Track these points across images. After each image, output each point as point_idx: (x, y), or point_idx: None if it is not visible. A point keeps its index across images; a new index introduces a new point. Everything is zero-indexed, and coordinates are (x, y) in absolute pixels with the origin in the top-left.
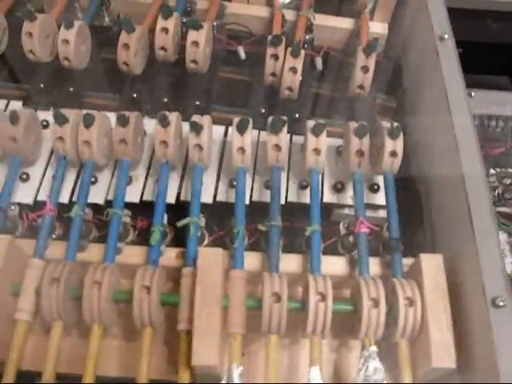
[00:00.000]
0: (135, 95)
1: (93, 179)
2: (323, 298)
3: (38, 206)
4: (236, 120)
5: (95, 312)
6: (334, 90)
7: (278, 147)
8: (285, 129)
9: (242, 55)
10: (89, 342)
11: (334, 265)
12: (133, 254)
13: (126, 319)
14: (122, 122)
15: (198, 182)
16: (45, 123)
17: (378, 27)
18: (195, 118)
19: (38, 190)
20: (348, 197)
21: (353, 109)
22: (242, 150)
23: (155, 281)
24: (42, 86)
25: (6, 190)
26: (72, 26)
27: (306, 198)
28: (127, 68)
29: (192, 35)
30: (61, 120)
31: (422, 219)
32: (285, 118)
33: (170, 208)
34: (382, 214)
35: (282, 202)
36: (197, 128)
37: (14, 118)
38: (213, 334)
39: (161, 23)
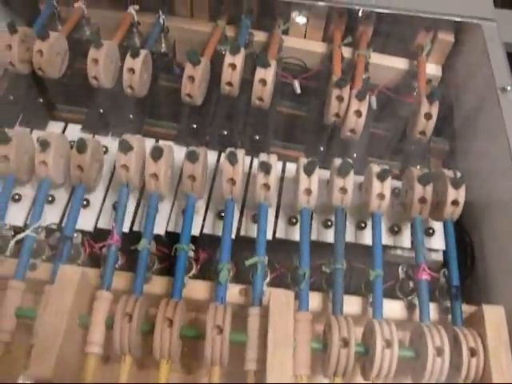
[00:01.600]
0: (195, 126)
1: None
2: (388, 344)
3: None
4: (304, 161)
5: (165, 348)
6: (387, 130)
7: (343, 190)
8: (352, 172)
9: (298, 89)
10: (158, 376)
11: (393, 309)
12: (197, 288)
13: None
14: (192, 158)
15: (264, 220)
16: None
17: (432, 69)
18: (263, 156)
19: (98, 217)
20: (403, 239)
21: (408, 150)
22: (308, 191)
23: (227, 321)
24: (101, 111)
25: (72, 217)
26: (138, 55)
27: (364, 239)
28: (190, 99)
29: (260, 73)
30: (126, 147)
31: (473, 265)
32: (350, 161)
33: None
34: (435, 256)
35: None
36: (266, 168)
37: (81, 147)
38: (285, 378)
39: (229, 59)
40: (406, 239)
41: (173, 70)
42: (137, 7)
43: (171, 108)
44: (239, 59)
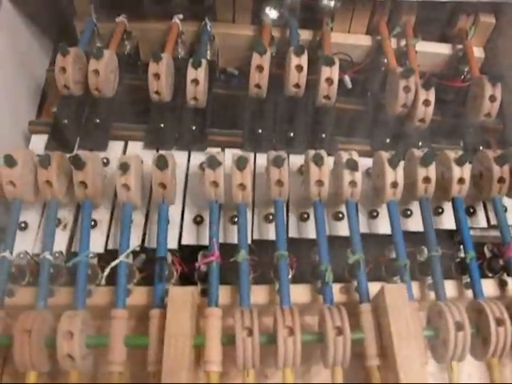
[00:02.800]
0: (260, 131)
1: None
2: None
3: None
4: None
5: (290, 357)
6: (440, 115)
7: (427, 179)
8: (434, 162)
9: (349, 84)
10: None
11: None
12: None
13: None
14: (278, 162)
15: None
16: None
17: (475, 51)
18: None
19: (181, 235)
20: (479, 219)
21: (465, 133)
22: (353, 183)
23: (345, 321)
24: (162, 125)
25: (162, 238)
26: (201, 65)
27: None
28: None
29: (326, 72)
30: (215, 164)
31: None
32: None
33: None
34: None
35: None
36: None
37: (162, 163)
38: (415, 368)
39: (295, 61)
40: (481, 219)
41: (219, 77)
42: (181, 16)
43: (229, 115)
44: (305, 60)
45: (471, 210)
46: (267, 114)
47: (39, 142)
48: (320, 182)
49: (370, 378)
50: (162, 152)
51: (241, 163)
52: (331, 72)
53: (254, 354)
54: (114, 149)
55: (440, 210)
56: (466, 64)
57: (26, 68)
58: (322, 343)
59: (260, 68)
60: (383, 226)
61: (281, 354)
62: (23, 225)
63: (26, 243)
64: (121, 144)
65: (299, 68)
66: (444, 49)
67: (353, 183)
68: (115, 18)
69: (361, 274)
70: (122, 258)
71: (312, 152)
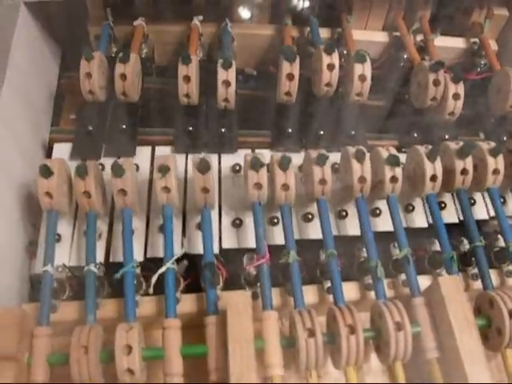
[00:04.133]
0: (290, 130)
1: (275, 220)
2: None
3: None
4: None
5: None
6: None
7: (465, 171)
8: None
9: None
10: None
11: None
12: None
13: None
14: (321, 161)
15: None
16: None
17: None
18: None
19: (221, 239)
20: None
21: (486, 125)
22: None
23: (404, 316)
24: (191, 128)
25: (208, 243)
26: (231, 66)
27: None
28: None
29: (359, 69)
30: (258, 165)
31: None
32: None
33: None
34: None
35: None
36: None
37: (205, 167)
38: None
39: (326, 59)
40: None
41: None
42: (201, 18)
43: (264, 118)
44: (336, 58)
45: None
46: (295, 114)
47: (62, 151)
48: (362, 179)
49: (429, 371)
50: (203, 155)
51: (284, 163)
52: (363, 69)
53: (318, 354)
54: (142, 154)
55: (472, 201)
56: (481, 57)
57: (40, 75)
58: (378, 340)
59: (290, 76)
60: (420, 221)
61: (344, 353)
62: (57, 237)
63: (61, 256)
64: (148, 149)
65: (331, 67)
66: (459, 43)
67: (394, 179)
68: (129, 21)
69: (410, 268)
70: (168, 264)
71: (352, 149)
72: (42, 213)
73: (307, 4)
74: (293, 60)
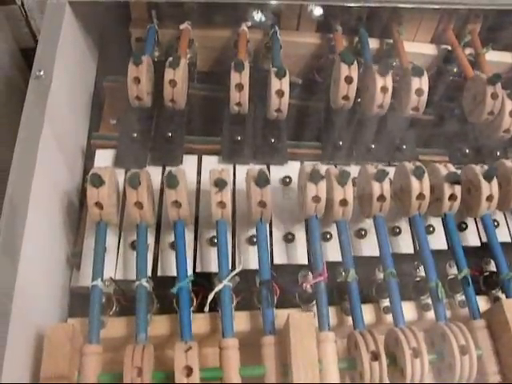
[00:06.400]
0: (341, 143)
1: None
2: None
3: None
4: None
5: (417, 379)
6: None
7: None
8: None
9: None
10: None
11: None
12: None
13: None
14: (381, 177)
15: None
16: None
17: None
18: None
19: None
20: None
21: None
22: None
23: (469, 338)
24: (238, 138)
25: (265, 260)
26: (285, 75)
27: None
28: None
29: (416, 83)
30: (317, 177)
31: None
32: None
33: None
34: None
35: None
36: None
37: (263, 180)
38: None
39: (380, 82)
40: None
41: None
42: (249, 24)
43: (310, 128)
44: (390, 82)
45: None
46: (344, 126)
47: (105, 158)
48: (422, 196)
49: None
50: (258, 167)
51: (343, 178)
52: (421, 83)
53: (382, 378)
54: (188, 163)
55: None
56: None
57: (82, 77)
58: (442, 363)
59: (349, 79)
60: (473, 240)
61: (408, 377)
62: None
63: (106, 269)
64: (194, 158)
65: (384, 89)
66: (508, 57)
67: (453, 197)
68: (173, 25)
69: (470, 290)
70: (225, 281)
71: (409, 165)
72: (84, 222)
73: (355, 14)
74: (351, 63)
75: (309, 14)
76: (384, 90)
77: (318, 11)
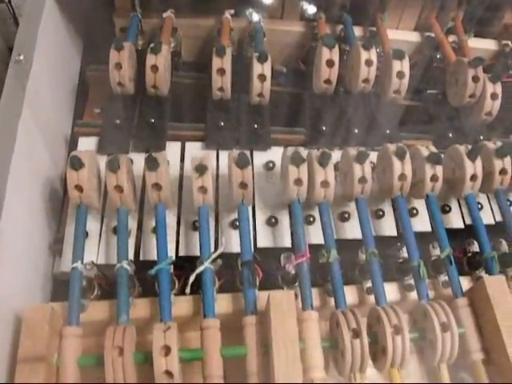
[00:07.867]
0: (324, 128)
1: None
2: None
3: None
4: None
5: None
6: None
7: (504, 171)
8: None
9: None
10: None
11: None
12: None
13: None
14: (362, 158)
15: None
16: None
17: None
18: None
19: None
20: None
21: None
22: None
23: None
24: (222, 124)
25: (246, 241)
26: (266, 59)
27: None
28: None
29: (397, 66)
30: (299, 160)
31: None
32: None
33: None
34: None
35: None
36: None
37: (244, 162)
38: None
39: (364, 55)
40: None
41: None
42: (232, 11)
43: (286, 113)
44: (374, 55)
45: None
46: (328, 112)
47: (88, 145)
48: (403, 176)
49: (475, 372)
50: (241, 150)
51: (324, 159)
52: (402, 65)
53: (364, 356)
54: (171, 150)
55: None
56: None
57: (64, 66)
58: (423, 341)
59: (331, 62)
60: (457, 221)
61: (389, 353)
62: None
63: (88, 253)
64: (177, 145)
65: (369, 62)
66: (490, 44)
67: (435, 177)
68: (156, 14)
69: (452, 268)
70: (207, 263)
71: (392, 146)
72: (67, 209)
73: (339, 2)
74: (333, 46)
75: (292, 2)
76: (368, 63)
77: None
